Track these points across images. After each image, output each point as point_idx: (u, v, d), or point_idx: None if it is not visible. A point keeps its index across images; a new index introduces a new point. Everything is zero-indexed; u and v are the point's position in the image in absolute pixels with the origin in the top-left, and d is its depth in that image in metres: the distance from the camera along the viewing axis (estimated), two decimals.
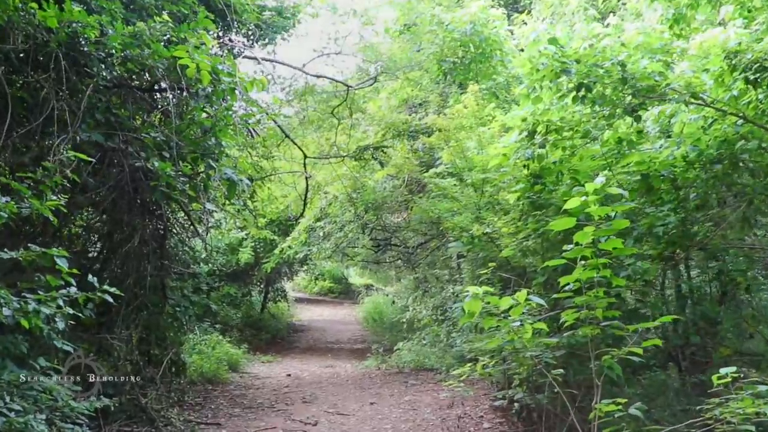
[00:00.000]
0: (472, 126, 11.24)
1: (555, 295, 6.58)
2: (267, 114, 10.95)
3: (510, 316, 6.43)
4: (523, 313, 6.32)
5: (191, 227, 10.99)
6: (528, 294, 6.19)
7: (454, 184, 11.48)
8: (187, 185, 8.36)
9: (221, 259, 18.68)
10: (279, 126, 13.43)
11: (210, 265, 17.18)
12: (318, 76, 15.53)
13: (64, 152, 7.17)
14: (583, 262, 5.83)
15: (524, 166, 8.52)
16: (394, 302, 24.37)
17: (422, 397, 13.14)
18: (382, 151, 15.59)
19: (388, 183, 17.65)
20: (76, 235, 10.31)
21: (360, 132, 17.16)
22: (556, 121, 8.18)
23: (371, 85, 16.30)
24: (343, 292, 39.95)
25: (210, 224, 12.18)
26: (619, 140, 8.03)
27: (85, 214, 10.16)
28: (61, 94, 7.80)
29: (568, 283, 6.05)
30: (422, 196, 15.44)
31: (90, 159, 7.17)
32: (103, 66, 8.11)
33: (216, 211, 10.14)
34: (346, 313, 33.12)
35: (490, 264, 10.92)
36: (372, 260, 26.22)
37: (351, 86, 15.73)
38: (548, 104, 8.23)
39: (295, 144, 14.36)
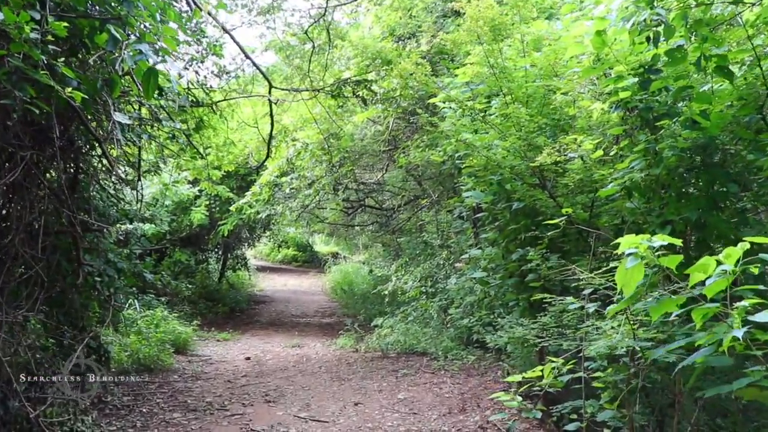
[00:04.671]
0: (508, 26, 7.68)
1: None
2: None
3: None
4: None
5: (112, 169, 7.44)
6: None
7: (483, 109, 7.92)
8: (80, 78, 4.74)
9: (168, 218, 14.92)
10: (229, 34, 9.68)
11: (154, 225, 13.47)
12: None
13: None
14: None
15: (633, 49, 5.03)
16: (371, 271, 20.78)
17: (421, 394, 9.65)
18: (366, 86, 11.95)
19: (369, 129, 14.14)
20: None
21: (340, 66, 13.53)
22: None
23: (354, 0, 12.66)
24: (308, 261, 37.15)
25: (138, 167, 8.57)
26: None
27: None
28: None
29: None
30: (417, 138, 11.91)
31: None
32: None
33: (129, 125, 6.40)
34: (312, 282, 29.67)
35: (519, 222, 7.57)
36: (343, 224, 22.68)
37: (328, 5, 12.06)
38: None
39: (256, 66, 10.63)
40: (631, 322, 4.57)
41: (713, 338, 3.03)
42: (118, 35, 4.66)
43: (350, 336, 14.65)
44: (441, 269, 14.10)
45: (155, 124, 7.99)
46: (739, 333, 2.80)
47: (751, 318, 2.85)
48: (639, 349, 4.51)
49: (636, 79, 5.28)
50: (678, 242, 3.14)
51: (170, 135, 8.74)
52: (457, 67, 8.82)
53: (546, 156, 6.29)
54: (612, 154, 5.85)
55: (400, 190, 17.06)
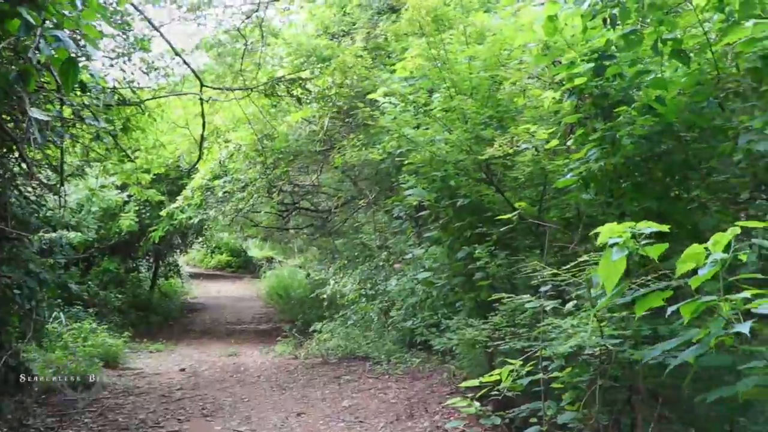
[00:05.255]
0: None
1: None
2: None
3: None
4: None
5: (31, 173, 6.93)
6: None
7: (425, 103, 7.61)
8: None
9: (95, 225, 14.24)
10: (157, 29, 9.18)
11: (80, 233, 12.81)
12: None
13: None
14: None
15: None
16: (308, 275, 20.33)
17: (366, 401, 9.30)
18: (300, 85, 11.53)
19: (303, 129, 13.72)
20: None
21: (274, 65, 13.10)
22: None
23: None
24: (242, 266, 36.47)
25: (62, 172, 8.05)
26: None
27: None
28: None
29: None
30: (354, 137, 11.55)
31: None
32: None
33: (48, 120, 5.88)
34: (247, 288, 29.10)
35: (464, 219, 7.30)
36: (278, 227, 22.18)
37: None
38: None
39: (186, 63, 10.13)
40: (598, 319, 4.29)
41: (714, 334, 2.74)
42: (31, 19, 4.18)
43: (289, 342, 14.22)
44: (380, 271, 13.77)
45: (78, 124, 7.47)
46: (745, 328, 2.52)
47: (755, 311, 2.57)
48: (611, 347, 4.24)
49: (590, 65, 5.02)
50: (665, 228, 2.85)
51: (95, 136, 8.18)
52: (394, 64, 8.53)
53: (497, 148, 5.99)
54: (570, 143, 5.57)
55: (336, 192, 16.67)
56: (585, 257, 4.11)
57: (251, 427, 8.32)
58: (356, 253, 15.79)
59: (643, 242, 2.87)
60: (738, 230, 2.70)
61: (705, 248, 2.71)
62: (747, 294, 2.61)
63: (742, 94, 5.08)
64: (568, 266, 4.39)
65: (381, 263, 13.80)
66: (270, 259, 32.44)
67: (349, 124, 12.75)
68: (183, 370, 12.38)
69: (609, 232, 2.85)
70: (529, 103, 6.44)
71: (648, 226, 2.82)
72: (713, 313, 2.88)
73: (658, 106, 4.77)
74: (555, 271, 4.60)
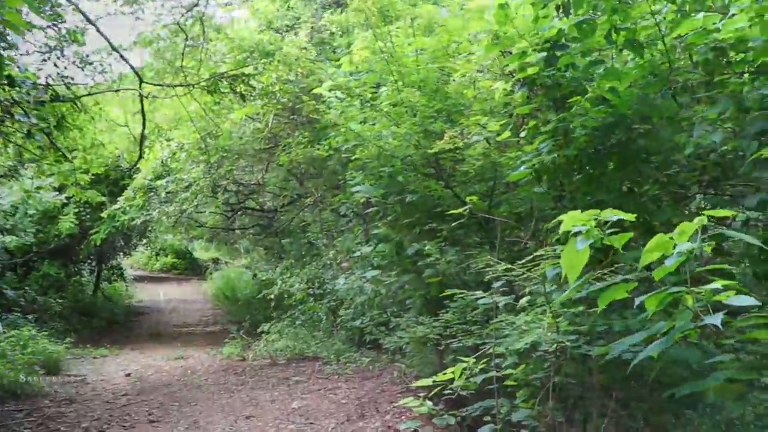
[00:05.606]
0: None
1: None
2: None
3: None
4: None
5: None
6: None
7: (372, 97, 7.43)
8: None
9: (32, 229, 13.79)
10: (92, 22, 8.84)
11: (17, 237, 12.38)
12: None
13: None
14: None
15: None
16: (255, 275, 20.01)
17: (316, 402, 9.09)
18: (244, 81, 11.26)
19: (248, 126, 13.45)
20: None
21: (217, 61, 12.79)
22: None
23: None
24: (188, 268, 35.82)
25: None
26: None
27: None
28: None
29: None
30: (299, 134, 11.33)
31: None
32: None
33: None
34: (193, 290, 28.62)
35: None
36: (223, 228, 21.79)
37: None
38: None
39: (123, 58, 9.80)
40: (554, 315, 4.16)
41: (682, 327, 2.61)
42: None
43: (236, 344, 13.93)
44: (328, 270, 13.56)
45: (8, 121, 7.11)
46: (717, 320, 2.39)
47: (726, 302, 2.45)
48: (567, 343, 4.10)
49: (543, 54, 4.88)
50: (632, 217, 2.71)
51: (26, 133, 7.78)
52: (339, 59, 8.34)
53: (447, 140, 5.83)
54: (522, 135, 5.42)
55: (281, 191, 16.40)
56: (541, 251, 3.97)
57: (199, 431, 8.05)
58: (303, 253, 15.57)
59: (608, 231, 2.73)
60: (705, 220, 2.57)
61: (670, 238, 2.58)
62: (717, 285, 2.49)
63: (691, 87, 5.01)
64: (523, 261, 4.25)
65: (328, 262, 13.60)
66: (216, 261, 31.99)
67: (294, 122, 12.52)
68: (128, 375, 12.01)
69: (572, 220, 2.71)
70: (480, 95, 6.30)
71: (614, 214, 2.68)
72: (677, 306, 2.75)
73: (611, 97, 4.65)
74: (509, 266, 4.45)
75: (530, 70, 4.95)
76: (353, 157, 7.51)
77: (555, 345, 4.21)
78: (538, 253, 4.02)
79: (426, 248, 6.82)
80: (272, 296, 14.63)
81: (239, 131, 13.47)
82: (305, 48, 9.46)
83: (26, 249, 14.07)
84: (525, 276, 4.39)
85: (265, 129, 12.81)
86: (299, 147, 10.96)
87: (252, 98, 11.87)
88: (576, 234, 2.70)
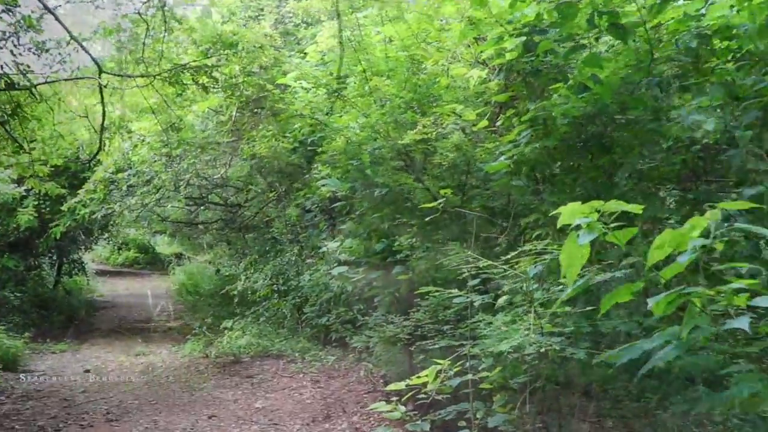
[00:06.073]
0: None
1: None
2: None
3: None
4: None
5: None
6: None
7: (339, 88, 7.06)
8: None
9: None
10: (50, 10, 8.37)
11: None
12: None
13: None
14: None
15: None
16: (218, 271, 19.55)
17: (280, 402, 8.74)
18: (206, 72, 10.84)
19: (211, 119, 13.03)
20: None
21: (178, 52, 12.33)
22: None
23: None
24: (150, 263, 34.92)
25: None
26: None
27: None
28: None
29: None
30: (263, 127, 10.93)
31: None
32: None
33: None
34: (155, 285, 27.91)
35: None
36: (186, 222, 21.29)
37: None
38: None
39: (82, 47, 9.33)
40: (538, 315, 3.84)
41: (702, 331, 2.30)
42: None
43: (199, 340, 13.46)
44: (292, 266, 13.18)
45: None
46: (744, 324, 2.08)
47: (752, 304, 2.15)
48: (555, 346, 3.79)
49: (522, 39, 4.56)
50: (639, 209, 2.40)
51: None
52: (304, 50, 7.98)
53: (420, 130, 5.49)
54: (499, 124, 5.10)
55: (245, 185, 15.98)
56: (528, 246, 3.66)
57: (159, 431, 7.66)
58: (267, 248, 15.17)
59: (612, 225, 2.42)
60: (718, 213, 2.27)
61: (680, 234, 2.28)
62: (740, 284, 2.19)
63: (677, 76, 4.75)
64: (509, 257, 3.92)
65: (293, 258, 13.22)
66: (179, 255, 31.35)
67: (258, 115, 12.11)
68: (88, 371, 11.51)
69: (572, 212, 2.40)
70: (453, 84, 5.96)
71: (619, 206, 2.37)
72: (683, 310, 2.45)
73: (593, 85, 4.36)
74: (489, 262, 4.13)
75: (508, 56, 4.63)
76: (319, 150, 7.16)
77: (541, 347, 3.89)
78: (524, 249, 3.70)
79: (396, 244, 6.50)
80: (236, 292, 14.22)
81: (202, 124, 13.07)
82: (269, 36, 9.05)
83: None
84: (504, 273, 4.07)
85: (229, 122, 12.40)
86: (263, 140, 10.56)
87: (215, 90, 11.47)
88: (577, 228, 2.39)
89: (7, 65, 8.42)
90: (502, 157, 4.65)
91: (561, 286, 4.03)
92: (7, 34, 8.39)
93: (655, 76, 4.50)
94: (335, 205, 8.45)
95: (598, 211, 2.39)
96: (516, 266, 4.08)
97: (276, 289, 13.31)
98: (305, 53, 7.65)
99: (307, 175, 10.80)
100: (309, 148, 7.83)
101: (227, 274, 17.31)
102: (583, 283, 2.65)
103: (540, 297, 3.88)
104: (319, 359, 10.73)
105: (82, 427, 7.95)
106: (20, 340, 12.31)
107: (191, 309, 20.23)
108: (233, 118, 12.31)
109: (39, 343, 13.83)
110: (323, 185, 7.61)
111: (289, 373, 10.28)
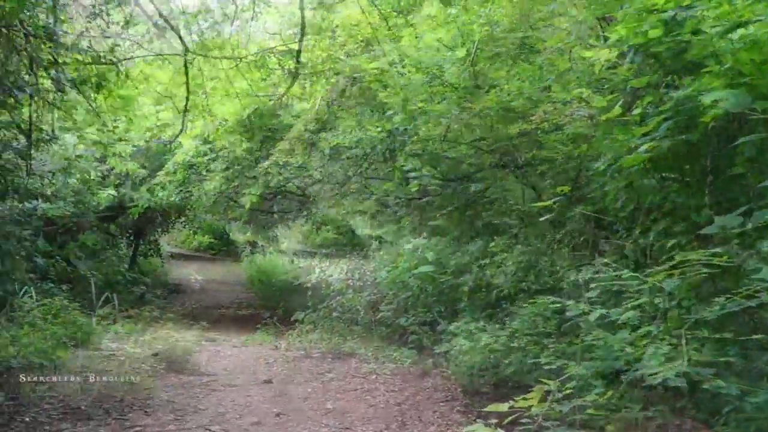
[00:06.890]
0: None
1: None
2: None
3: None
4: None
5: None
6: None
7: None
8: None
9: (72, 198, 13.04)
10: None
11: (59, 205, 11.66)
12: None
13: None
14: None
15: None
16: (292, 262, 19.21)
17: (352, 404, 8.18)
18: (294, 57, 10.37)
19: (295, 107, 12.62)
20: None
21: (264, 38, 11.95)
22: None
23: None
24: (224, 249, 34.72)
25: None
26: None
27: None
28: None
29: None
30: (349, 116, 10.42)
31: None
32: None
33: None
34: (228, 271, 27.78)
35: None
36: (262, 210, 21.00)
37: None
38: None
39: (170, 25, 8.95)
40: (685, 338, 3.17)
41: None
42: None
43: (268, 331, 13.06)
44: (370, 261, 12.63)
45: (42, 75, 6.29)
46: None
47: None
48: (702, 377, 3.10)
49: (664, 15, 3.86)
50: None
51: (57, 88, 6.87)
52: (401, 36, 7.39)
53: (541, 116, 4.82)
54: (636, 113, 4.39)
55: (324, 176, 15.50)
56: (692, 255, 2.98)
57: (223, 426, 7.17)
58: (344, 242, 14.70)
59: None
60: None
61: None
62: None
63: None
64: (660, 268, 3.24)
65: (372, 253, 12.69)
66: (253, 243, 31.18)
67: (344, 104, 11.58)
68: (156, 354, 11.10)
69: None
70: (575, 67, 5.25)
71: None
72: None
73: (751, 72, 3.64)
74: (634, 274, 3.46)
75: (652, 33, 3.91)
76: (412, 139, 6.55)
77: (685, 378, 3.20)
78: (691, 256, 3.01)
79: (491, 245, 5.86)
80: (309, 284, 13.77)
81: (286, 111, 12.64)
82: (365, 11, 8.46)
83: (65, 218, 13.35)
84: (639, 287, 3.40)
85: (314, 110, 11.92)
86: (348, 129, 10.03)
87: (302, 77, 11.01)
88: None
89: (94, 38, 8.11)
90: (643, 147, 3.94)
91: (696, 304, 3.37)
92: (98, 9, 8.06)
93: None
94: (424, 199, 7.85)
95: None
96: (648, 278, 3.41)
97: (351, 284, 12.76)
98: (401, 36, 7.06)
99: (390, 169, 10.22)
100: (398, 137, 7.25)
101: (301, 265, 16.87)
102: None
103: (676, 315, 3.21)
104: (393, 361, 10.13)
105: (146, 414, 7.53)
106: (94, 317, 12.06)
107: (262, 298, 20.00)
108: (317, 105, 11.82)
109: (111, 323, 13.58)
110: (413, 178, 7.04)
111: (361, 374, 9.70)
